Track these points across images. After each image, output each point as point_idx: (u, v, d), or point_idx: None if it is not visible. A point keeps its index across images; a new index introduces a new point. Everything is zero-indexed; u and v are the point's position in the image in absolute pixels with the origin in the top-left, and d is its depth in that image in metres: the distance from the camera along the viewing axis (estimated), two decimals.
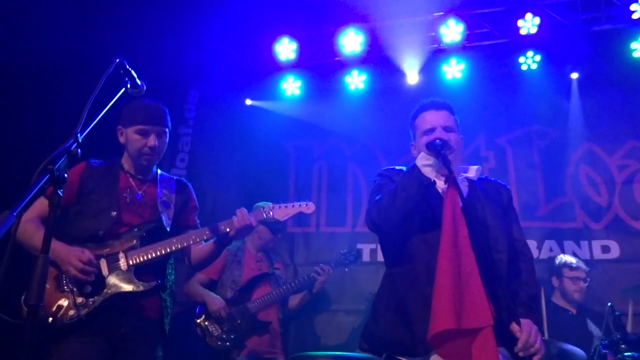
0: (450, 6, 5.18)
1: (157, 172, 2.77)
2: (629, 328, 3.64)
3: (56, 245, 2.31)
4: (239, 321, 3.93)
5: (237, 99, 5.86)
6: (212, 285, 4.16)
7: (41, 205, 2.30)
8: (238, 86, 5.83)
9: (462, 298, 1.91)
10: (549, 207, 5.01)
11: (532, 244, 4.69)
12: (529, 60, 5.23)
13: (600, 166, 5.01)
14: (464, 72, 5.36)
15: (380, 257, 5.03)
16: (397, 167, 2.45)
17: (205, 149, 5.67)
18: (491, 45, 5.34)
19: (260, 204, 4.14)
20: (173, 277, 2.73)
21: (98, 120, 1.70)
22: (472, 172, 2.40)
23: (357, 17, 5.32)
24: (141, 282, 2.44)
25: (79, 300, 2.32)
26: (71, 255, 2.31)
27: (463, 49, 5.27)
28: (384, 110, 5.45)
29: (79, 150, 1.51)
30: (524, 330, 1.94)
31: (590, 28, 5.07)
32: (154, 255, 2.48)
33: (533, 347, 1.94)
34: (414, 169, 2.16)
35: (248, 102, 5.93)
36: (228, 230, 2.57)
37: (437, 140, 2.18)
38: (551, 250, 4.82)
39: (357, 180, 5.55)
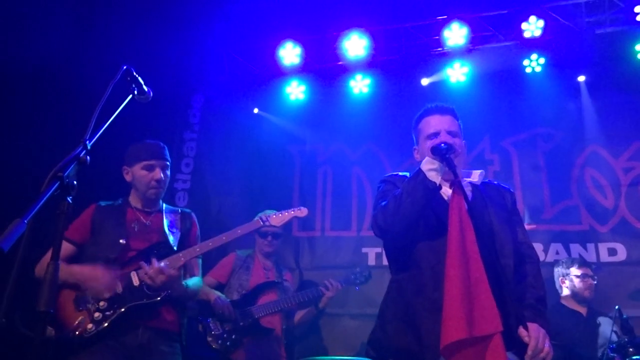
0: (454, 9, 5.19)
1: (162, 205, 3.00)
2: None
3: (75, 268, 2.58)
4: (241, 323, 3.92)
5: (241, 103, 5.87)
6: (219, 289, 4.14)
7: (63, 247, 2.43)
8: (242, 91, 5.85)
9: (472, 305, 1.90)
10: (554, 210, 5.00)
11: (538, 247, 4.68)
12: (534, 63, 5.22)
13: (606, 169, 4.99)
14: (468, 76, 5.36)
15: (385, 261, 4.96)
16: (400, 173, 2.45)
17: (210, 153, 5.68)
18: (495, 48, 5.32)
19: (263, 212, 4.16)
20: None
21: (106, 128, 1.70)
22: (476, 176, 2.39)
23: (361, 21, 5.33)
24: (151, 294, 2.63)
25: (97, 315, 2.53)
26: (94, 274, 2.55)
27: (467, 52, 5.27)
28: (388, 114, 5.45)
29: (88, 157, 1.51)
30: (532, 336, 1.94)
31: (594, 30, 5.05)
32: None
33: (542, 352, 1.93)
34: (419, 174, 2.15)
35: (256, 110, 5.94)
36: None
37: (443, 144, 2.17)
38: (557, 253, 4.81)
39: (361, 185, 5.55)
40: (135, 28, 4.99)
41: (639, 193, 4.84)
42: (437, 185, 2.13)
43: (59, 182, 1.35)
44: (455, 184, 2.15)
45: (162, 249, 2.77)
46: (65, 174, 1.38)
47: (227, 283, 4.16)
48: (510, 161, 5.25)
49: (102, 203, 2.91)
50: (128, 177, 2.91)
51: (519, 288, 2.19)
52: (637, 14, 4.86)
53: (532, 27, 5.04)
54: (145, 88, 2.04)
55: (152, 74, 2.62)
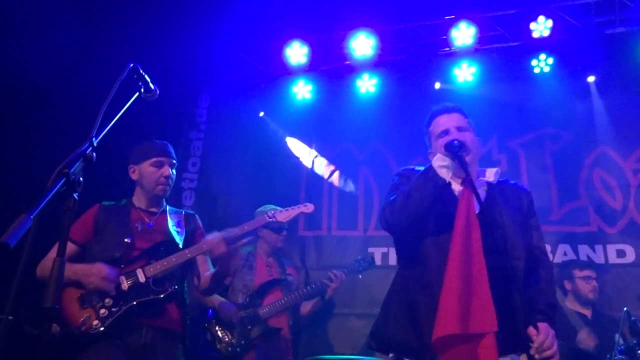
0: (461, 9, 5.17)
1: (166, 206, 2.99)
2: None
3: (76, 266, 2.56)
4: (249, 327, 3.91)
5: (248, 103, 5.88)
6: (223, 289, 4.15)
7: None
8: (249, 91, 5.85)
9: (469, 302, 1.89)
10: (562, 211, 4.96)
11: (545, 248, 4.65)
12: (542, 64, 5.18)
13: (615, 170, 4.95)
14: (476, 76, 5.33)
15: (392, 261, 5.01)
16: (416, 167, 2.44)
17: (217, 153, 5.69)
18: (503, 48, 5.30)
19: (263, 207, 4.17)
20: (187, 296, 2.88)
21: (112, 125, 1.71)
22: (491, 175, 2.38)
23: (368, 21, 5.32)
24: (158, 289, 2.63)
25: (102, 312, 2.51)
26: (93, 269, 2.54)
27: (475, 52, 5.24)
28: (395, 114, 5.43)
29: (94, 154, 1.52)
30: (541, 333, 1.93)
31: (604, 31, 5.01)
32: (168, 265, 2.66)
33: (550, 350, 1.92)
34: (430, 170, 2.15)
35: (261, 114, 5.95)
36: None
37: (455, 142, 2.17)
38: (565, 254, 4.77)
39: (368, 184, 5.54)
40: (142, 28, 5.02)
41: None
42: (447, 182, 2.12)
43: (65, 179, 1.36)
44: (466, 182, 2.15)
45: (168, 247, 2.76)
46: (72, 170, 1.39)
47: (231, 283, 4.13)
48: (517, 162, 5.22)
49: (106, 203, 2.90)
50: (134, 175, 2.91)
51: (530, 292, 2.18)
52: None
53: (541, 27, 5.01)
54: (152, 86, 2.05)
55: (159, 73, 2.63)
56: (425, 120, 2.52)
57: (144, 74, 2.00)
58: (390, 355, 2.22)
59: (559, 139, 5.19)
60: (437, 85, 5.45)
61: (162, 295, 2.62)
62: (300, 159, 5.78)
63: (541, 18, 4.99)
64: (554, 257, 4.74)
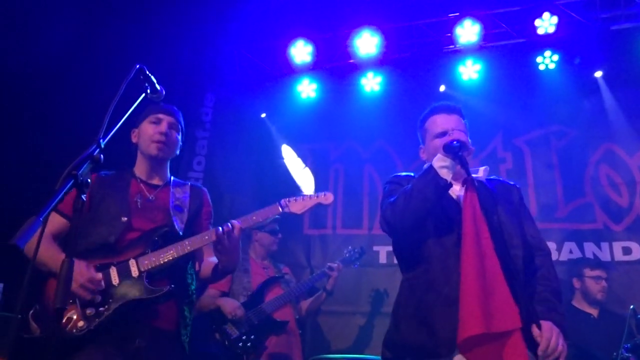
0: (466, 6, 5.15)
1: (170, 178, 2.69)
2: None
3: (57, 253, 2.26)
4: (256, 322, 3.92)
5: (253, 102, 5.90)
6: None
7: (52, 220, 2.34)
8: (254, 89, 5.87)
9: (489, 301, 1.89)
10: (568, 209, 4.95)
11: (551, 245, 4.64)
12: (547, 60, 5.17)
13: (621, 166, 4.93)
14: (481, 73, 5.32)
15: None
16: (403, 174, 2.47)
17: (222, 152, 5.71)
18: (508, 46, 5.29)
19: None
20: (194, 287, 2.59)
21: (120, 126, 1.72)
22: (481, 172, 2.40)
23: (372, 19, 5.32)
24: (152, 288, 2.29)
25: (89, 311, 2.20)
26: (74, 271, 2.12)
27: (479, 49, 5.23)
28: (400, 112, 5.43)
29: (102, 155, 1.53)
30: (544, 336, 1.90)
31: (609, 27, 4.99)
32: (164, 259, 2.34)
33: (556, 352, 1.90)
34: (430, 170, 2.14)
35: (263, 115, 5.97)
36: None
37: (455, 142, 2.16)
38: (571, 252, 4.76)
39: (373, 183, 5.54)
40: (148, 27, 5.03)
41: None
42: (449, 182, 2.12)
43: (73, 180, 1.37)
44: (468, 182, 2.15)
45: (168, 234, 2.43)
46: (80, 172, 1.40)
47: (230, 290, 4.11)
48: (523, 159, 5.21)
49: (103, 173, 2.58)
50: (135, 139, 2.63)
51: (531, 282, 2.17)
52: None
53: (546, 23, 4.99)
54: (158, 87, 2.04)
55: (164, 73, 2.64)
56: (422, 114, 2.51)
57: (150, 74, 1.99)
58: None
59: (565, 136, 5.17)
60: (442, 88, 5.43)
61: (155, 296, 2.28)
62: (305, 158, 5.77)
63: (546, 15, 4.97)
64: (559, 254, 4.73)
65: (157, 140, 2.53)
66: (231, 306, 3.91)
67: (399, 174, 2.50)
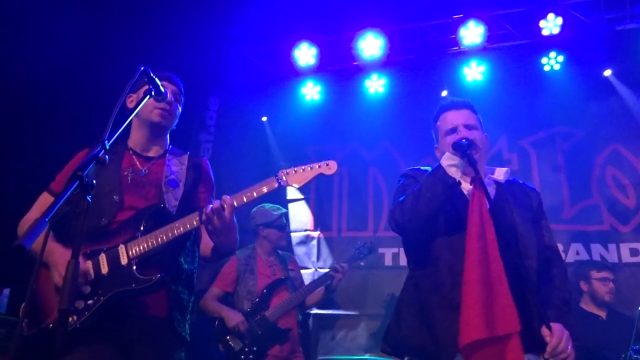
0: (470, 8, 5.15)
1: (168, 149, 2.49)
2: None
3: (52, 247, 2.11)
4: (259, 332, 3.89)
5: (257, 105, 5.90)
6: (227, 298, 4.11)
7: (45, 201, 2.32)
8: (258, 92, 5.87)
9: (492, 304, 1.88)
10: (574, 210, 4.92)
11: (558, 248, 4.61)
12: (552, 61, 5.15)
13: (628, 168, 4.90)
14: (485, 74, 5.31)
15: (402, 262, 4.99)
16: (422, 168, 2.42)
17: (227, 155, 5.71)
18: (513, 47, 5.27)
19: (261, 205, 4.18)
20: (193, 266, 2.41)
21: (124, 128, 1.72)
22: (500, 174, 2.35)
23: (376, 21, 5.32)
24: (142, 277, 2.11)
25: (78, 304, 2.05)
26: (59, 263, 2.06)
27: (484, 50, 5.22)
28: (404, 114, 5.42)
29: (107, 157, 1.53)
30: (555, 335, 1.89)
31: (614, 27, 4.97)
32: (154, 243, 2.13)
33: (564, 353, 1.89)
34: (439, 169, 2.13)
35: (264, 119, 5.98)
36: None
37: (464, 140, 2.14)
38: (577, 253, 4.73)
39: (378, 185, 5.53)
40: (152, 31, 5.06)
41: None
42: (457, 181, 2.10)
43: (79, 181, 1.36)
44: (476, 180, 2.12)
45: (158, 214, 2.24)
46: (85, 173, 1.39)
47: (235, 291, 4.10)
48: (529, 161, 5.19)
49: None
50: (131, 104, 2.35)
51: (544, 290, 2.15)
52: None
53: (551, 24, 4.98)
54: (163, 89, 2.04)
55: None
56: (434, 113, 2.49)
57: (154, 77, 1.98)
58: (405, 359, 2.18)
59: (571, 137, 5.15)
60: (444, 94, 5.41)
61: (144, 286, 2.09)
62: (310, 160, 5.75)
63: (551, 16, 4.96)
64: (566, 256, 4.71)
65: (161, 108, 2.34)
66: (235, 320, 3.88)
67: (415, 167, 2.47)
